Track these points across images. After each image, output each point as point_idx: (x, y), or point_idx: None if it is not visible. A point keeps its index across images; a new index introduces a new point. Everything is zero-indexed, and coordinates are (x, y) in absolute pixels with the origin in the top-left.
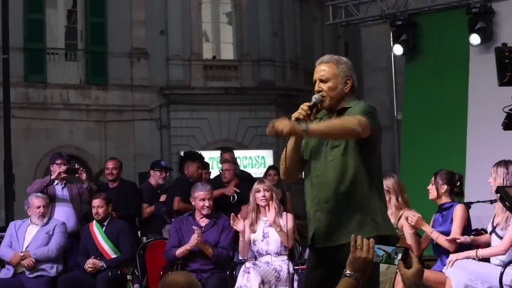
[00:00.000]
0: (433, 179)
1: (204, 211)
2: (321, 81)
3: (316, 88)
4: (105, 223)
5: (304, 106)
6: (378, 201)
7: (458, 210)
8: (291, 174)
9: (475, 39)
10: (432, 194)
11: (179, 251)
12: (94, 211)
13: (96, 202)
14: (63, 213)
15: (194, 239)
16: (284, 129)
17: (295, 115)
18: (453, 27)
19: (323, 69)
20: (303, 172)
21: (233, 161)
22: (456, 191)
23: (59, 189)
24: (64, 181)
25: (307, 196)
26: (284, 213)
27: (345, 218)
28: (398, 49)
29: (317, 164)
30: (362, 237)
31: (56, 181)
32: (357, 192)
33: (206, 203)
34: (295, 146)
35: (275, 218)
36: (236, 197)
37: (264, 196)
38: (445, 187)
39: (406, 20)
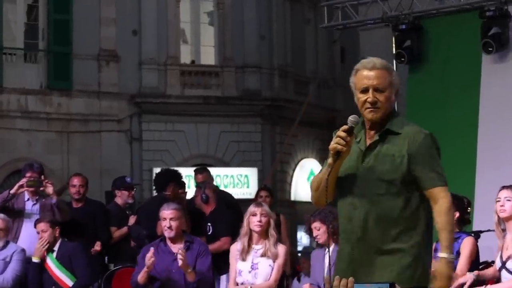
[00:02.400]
0: None
1: (166, 233)
2: (376, 90)
3: (371, 98)
4: (55, 249)
5: (341, 133)
6: None
7: (466, 244)
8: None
9: (488, 46)
10: None
11: (140, 276)
12: (39, 236)
13: (40, 226)
14: (32, 232)
15: (148, 259)
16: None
17: (332, 147)
18: (464, 32)
19: (380, 75)
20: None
21: (210, 186)
22: (466, 219)
23: (30, 205)
24: (37, 196)
25: None
26: (280, 244)
27: None
28: (400, 57)
29: None
30: None
31: (27, 197)
32: None
33: (168, 224)
34: (336, 172)
35: (271, 247)
36: (211, 228)
37: (260, 221)
38: (456, 214)
39: (411, 24)
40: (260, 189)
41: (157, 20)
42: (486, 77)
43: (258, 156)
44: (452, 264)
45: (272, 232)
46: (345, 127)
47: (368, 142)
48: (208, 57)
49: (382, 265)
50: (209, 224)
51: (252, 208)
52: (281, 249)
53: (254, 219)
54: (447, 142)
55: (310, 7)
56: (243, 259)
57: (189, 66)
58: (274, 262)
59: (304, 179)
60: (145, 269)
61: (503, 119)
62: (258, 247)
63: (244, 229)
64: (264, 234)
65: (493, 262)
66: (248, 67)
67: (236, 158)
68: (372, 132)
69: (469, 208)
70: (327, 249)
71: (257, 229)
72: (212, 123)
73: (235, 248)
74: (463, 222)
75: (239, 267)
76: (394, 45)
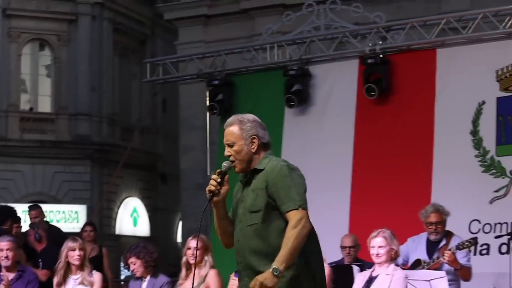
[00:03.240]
0: None
1: (3, 262)
2: (228, 145)
3: (226, 153)
4: None
5: (214, 176)
6: None
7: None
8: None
9: (290, 101)
10: None
11: None
12: None
13: None
14: None
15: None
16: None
17: (208, 188)
18: (270, 88)
19: (228, 132)
20: None
21: (44, 227)
22: None
23: None
24: None
25: None
26: (95, 271)
27: None
28: (213, 109)
29: None
30: None
31: None
32: None
33: (5, 254)
34: (219, 216)
35: (86, 276)
36: (42, 264)
37: (79, 255)
38: None
39: (223, 80)
40: (85, 224)
41: (0, 71)
42: (288, 127)
43: (87, 195)
44: (274, 277)
45: (86, 263)
46: (218, 170)
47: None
48: (45, 105)
49: None
50: (40, 260)
51: (70, 244)
52: (97, 276)
53: (73, 253)
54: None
55: (136, 63)
56: None
57: (27, 113)
58: None
59: (128, 215)
60: None
61: (302, 164)
62: (76, 277)
63: (61, 263)
64: (81, 265)
65: None
66: (80, 115)
67: (67, 196)
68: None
69: None
70: (143, 280)
71: (76, 262)
72: (47, 164)
73: (55, 281)
74: None
75: None
76: (208, 98)
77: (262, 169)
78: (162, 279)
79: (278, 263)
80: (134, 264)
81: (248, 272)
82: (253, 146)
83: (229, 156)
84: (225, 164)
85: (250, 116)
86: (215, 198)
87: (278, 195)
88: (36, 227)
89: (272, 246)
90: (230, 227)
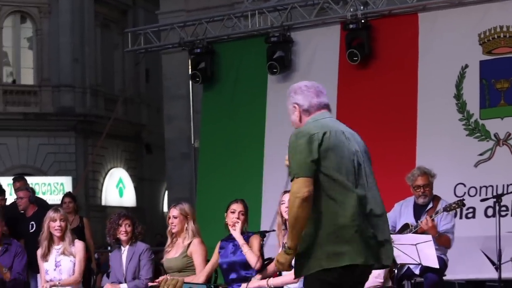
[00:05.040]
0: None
1: None
2: None
3: None
4: None
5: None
6: None
7: (255, 240)
8: None
9: (273, 67)
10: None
11: None
12: None
13: None
14: None
15: None
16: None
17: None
18: (252, 55)
19: None
20: None
21: (26, 188)
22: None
23: None
24: None
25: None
26: (77, 240)
27: None
28: (196, 77)
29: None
30: None
31: None
32: None
33: None
34: None
35: (67, 246)
36: (35, 225)
37: (60, 226)
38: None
39: (205, 48)
40: (64, 196)
41: None
42: (271, 94)
43: (72, 166)
44: (284, 254)
45: (68, 233)
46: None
47: None
48: (28, 77)
49: None
50: (32, 222)
51: (52, 214)
52: (79, 245)
53: (54, 224)
54: (237, 151)
55: (118, 33)
56: (46, 260)
57: (10, 86)
58: (74, 258)
59: (113, 186)
60: None
61: (285, 130)
62: (58, 247)
63: (44, 234)
64: (62, 236)
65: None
66: (63, 86)
67: (52, 168)
68: None
69: None
70: (122, 250)
71: (57, 234)
72: (31, 136)
73: (39, 251)
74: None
75: (45, 267)
76: (190, 67)
77: None
78: (141, 246)
79: (287, 239)
80: (129, 226)
81: None
82: (296, 114)
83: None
84: None
85: (296, 84)
86: None
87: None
88: (32, 190)
89: None
90: None
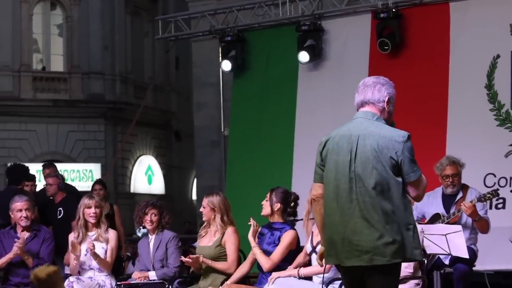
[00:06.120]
0: (268, 195)
1: (22, 222)
2: None
3: None
4: None
5: None
6: None
7: (287, 236)
8: None
9: (304, 56)
10: (265, 210)
11: (1, 261)
12: None
13: None
14: None
15: (15, 249)
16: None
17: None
18: (283, 44)
19: None
20: None
21: (56, 175)
22: (290, 211)
23: None
24: None
25: None
26: (109, 229)
27: None
28: (226, 65)
29: None
30: None
31: None
32: None
33: (24, 214)
34: None
35: (102, 233)
36: (62, 211)
37: (95, 212)
38: (278, 205)
39: (235, 36)
40: (94, 183)
41: (12, 31)
42: (302, 83)
43: (101, 153)
44: (321, 247)
45: (103, 219)
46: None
47: None
48: (58, 64)
49: None
50: (60, 209)
51: (86, 201)
52: (112, 234)
53: (89, 211)
54: (267, 139)
55: (148, 20)
56: (78, 247)
57: (40, 73)
58: (107, 245)
59: (142, 173)
60: (10, 255)
61: (316, 119)
62: (91, 233)
63: (80, 220)
64: (97, 222)
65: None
66: (93, 73)
67: (82, 154)
68: None
69: (293, 203)
70: (150, 238)
71: (92, 220)
72: (61, 123)
73: (72, 236)
74: (286, 213)
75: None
76: (220, 54)
77: None
78: (168, 234)
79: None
80: (155, 216)
81: None
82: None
83: None
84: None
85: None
86: None
87: None
88: (61, 177)
89: None
90: None
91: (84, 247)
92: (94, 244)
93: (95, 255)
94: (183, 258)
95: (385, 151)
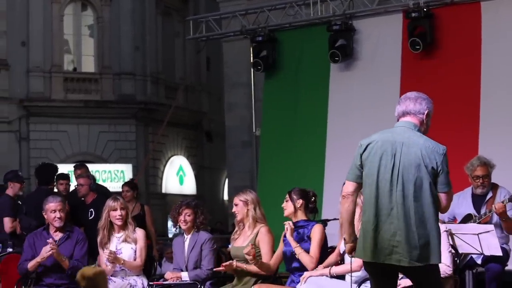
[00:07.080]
0: (287, 196)
1: (56, 223)
2: None
3: None
4: None
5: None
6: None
7: (317, 231)
8: None
9: (335, 56)
10: (288, 210)
11: (30, 264)
12: None
13: None
14: None
15: (45, 252)
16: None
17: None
18: (314, 43)
19: None
20: None
21: (87, 176)
22: (311, 207)
23: None
24: None
25: None
26: (137, 228)
27: None
28: (257, 65)
29: None
30: None
31: None
32: None
33: (58, 215)
34: None
35: (130, 233)
36: (94, 212)
37: (121, 215)
38: (300, 201)
39: (267, 36)
40: (122, 185)
41: (43, 32)
42: (333, 83)
43: (132, 154)
44: (345, 244)
45: (130, 220)
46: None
47: None
48: (89, 65)
49: None
50: (91, 209)
51: (112, 203)
52: (140, 233)
53: (115, 213)
54: (299, 140)
55: (179, 21)
56: (103, 249)
57: (71, 73)
58: (135, 245)
59: (173, 174)
60: (38, 259)
61: (349, 119)
62: (119, 235)
63: (102, 223)
64: (123, 224)
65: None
66: (124, 74)
67: (113, 155)
68: None
69: (313, 198)
70: (185, 237)
71: (119, 222)
72: (92, 124)
73: (98, 240)
74: (309, 210)
75: (103, 255)
76: (252, 54)
77: None
78: (204, 235)
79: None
80: (189, 216)
81: None
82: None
83: None
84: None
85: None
86: None
87: None
88: (93, 178)
89: None
90: None
91: (112, 248)
92: (112, 252)
93: (118, 260)
94: (217, 269)
95: (427, 161)
